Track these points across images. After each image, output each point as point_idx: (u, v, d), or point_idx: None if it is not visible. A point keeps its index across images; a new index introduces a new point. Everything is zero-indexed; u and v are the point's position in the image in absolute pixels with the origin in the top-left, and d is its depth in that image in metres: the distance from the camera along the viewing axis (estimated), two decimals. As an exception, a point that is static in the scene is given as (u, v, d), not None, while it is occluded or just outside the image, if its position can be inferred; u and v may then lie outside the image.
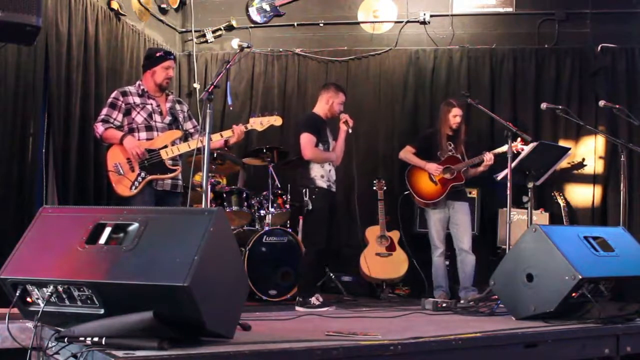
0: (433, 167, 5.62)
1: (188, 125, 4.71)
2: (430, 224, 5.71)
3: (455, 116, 5.65)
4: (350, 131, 5.14)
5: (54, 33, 5.15)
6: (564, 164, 6.11)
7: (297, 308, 4.79)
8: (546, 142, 5.16)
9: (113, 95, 4.55)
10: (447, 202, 5.64)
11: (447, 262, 5.89)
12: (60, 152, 5.22)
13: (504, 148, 4.90)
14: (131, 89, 4.59)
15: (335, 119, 5.26)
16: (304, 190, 5.09)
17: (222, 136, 4.47)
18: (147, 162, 4.37)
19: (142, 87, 4.57)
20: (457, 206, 5.65)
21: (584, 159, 6.52)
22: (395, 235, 6.36)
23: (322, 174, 5.09)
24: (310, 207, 5.08)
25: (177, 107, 4.69)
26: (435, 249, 5.68)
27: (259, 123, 4.60)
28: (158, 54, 4.60)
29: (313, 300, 4.90)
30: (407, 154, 5.82)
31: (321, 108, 5.27)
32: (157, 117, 4.53)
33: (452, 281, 5.96)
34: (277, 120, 4.65)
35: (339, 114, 5.23)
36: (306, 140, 5.07)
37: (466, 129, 5.80)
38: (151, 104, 4.54)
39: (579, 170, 6.59)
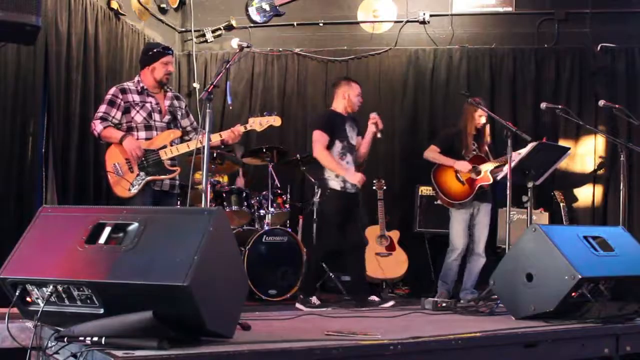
0: (464, 165, 5.42)
1: (185, 122, 4.66)
2: (454, 223, 5.52)
3: (480, 115, 5.50)
4: (379, 135, 5.09)
5: (53, 33, 5.15)
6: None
7: (298, 305, 4.80)
8: (546, 142, 5.15)
9: (111, 92, 4.45)
10: (472, 202, 5.48)
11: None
12: (60, 152, 5.23)
13: (526, 149, 4.84)
14: (130, 85, 4.50)
15: (364, 115, 5.21)
16: (316, 189, 5.07)
17: (221, 136, 4.46)
18: (146, 163, 4.35)
19: (141, 84, 4.49)
20: (481, 207, 5.51)
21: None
22: (395, 235, 6.37)
23: (336, 174, 5.05)
24: (317, 207, 5.05)
25: (176, 103, 4.63)
26: (453, 250, 5.50)
27: (258, 123, 4.58)
28: (156, 50, 4.51)
29: (313, 300, 4.90)
30: (433, 153, 5.59)
31: (339, 104, 5.24)
32: (156, 116, 4.48)
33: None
34: (276, 121, 4.63)
35: (359, 107, 5.21)
36: (316, 138, 5.07)
37: (490, 128, 5.65)
38: (150, 102, 4.48)
39: (579, 170, 6.60)
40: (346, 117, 5.20)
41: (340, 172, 5.02)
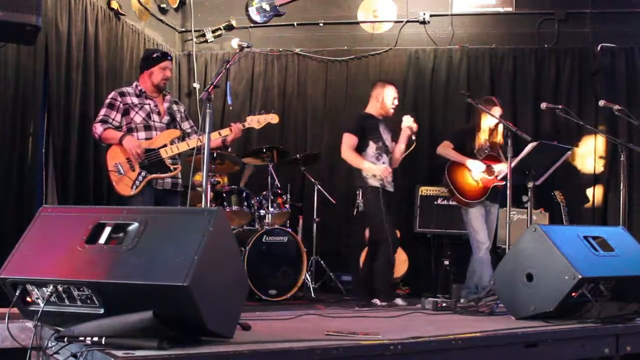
0: (476, 165, 5.29)
1: (185, 126, 4.71)
2: (472, 220, 5.35)
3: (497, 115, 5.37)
4: (414, 137, 5.07)
5: (53, 33, 5.16)
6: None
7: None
8: (546, 142, 5.15)
9: (111, 95, 4.54)
10: (485, 201, 5.37)
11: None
12: (60, 152, 5.23)
13: (526, 149, 4.81)
14: (129, 89, 4.59)
15: (397, 119, 5.20)
16: (357, 192, 5.07)
17: (220, 134, 4.48)
18: (147, 162, 4.37)
19: (139, 88, 4.57)
20: (491, 208, 5.42)
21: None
22: (395, 235, 6.36)
23: (374, 174, 5.06)
24: (362, 208, 5.03)
25: (175, 107, 4.70)
26: (479, 246, 5.30)
27: (256, 121, 4.62)
28: (155, 55, 4.60)
29: (399, 301, 4.90)
30: (446, 149, 5.44)
31: (373, 106, 5.26)
32: (155, 117, 4.53)
33: (454, 280, 5.97)
34: (273, 118, 4.67)
35: (394, 111, 5.22)
36: (344, 140, 5.12)
37: (504, 128, 5.46)
38: (149, 104, 4.54)
39: (579, 170, 6.60)
40: (380, 120, 5.22)
41: (366, 167, 5.04)
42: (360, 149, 5.12)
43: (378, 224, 5.00)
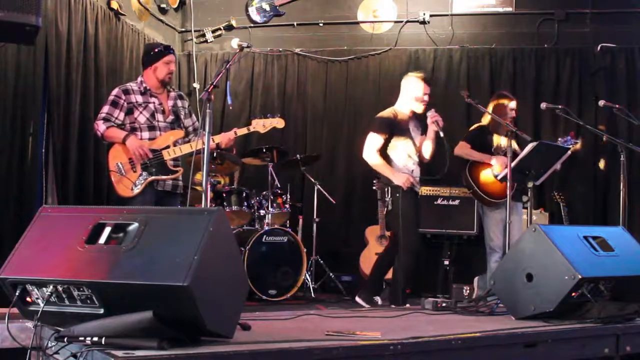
0: (501, 160, 5.11)
1: (188, 122, 4.67)
2: (490, 224, 5.27)
3: (511, 110, 5.34)
4: (442, 134, 4.82)
5: (53, 33, 5.16)
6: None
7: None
8: (546, 142, 5.15)
9: (114, 92, 4.47)
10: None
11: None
12: (60, 152, 5.23)
13: (526, 149, 4.78)
14: (133, 86, 4.52)
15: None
16: (386, 189, 4.90)
17: (213, 140, 4.43)
18: (149, 163, 4.35)
19: (144, 85, 4.50)
20: (514, 206, 5.11)
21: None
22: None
23: (397, 183, 4.86)
24: (390, 207, 4.89)
25: (179, 103, 4.64)
26: (493, 253, 5.24)
27: (261, 125, 4.58)
28: (157, 49, 4.52)
29: (433, 302, 4.83)
30: (465, 149, 5.31)
31: (401, 102, 5.07)
32: (159, 117, 4.50)
33: (454, 280, 5.96)
34: (279, 123, 4.63)
35: (424, 108, 4.99)
36: (369, 139, 4.94)
37: (515, 123, 5.39)
38: (153, 103, 4.49)
39: (579, 170, 6.59)
40: (410, 118, 5.03)
41: (386, 173, 4.88)
42: (387, 149, 4.93)
43: (409, 225, 4.81)
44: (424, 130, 5.08)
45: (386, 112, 5.08)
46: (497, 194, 5.19)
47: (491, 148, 5.32)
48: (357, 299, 4.96)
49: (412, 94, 5.01)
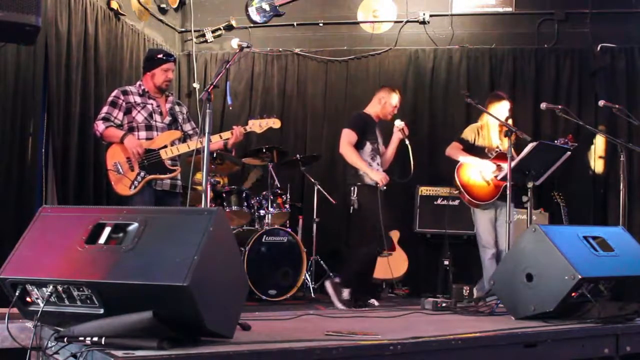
0: (489, 166, 5.22)
1: (187, 127, 4.71)
2: (479, 222, 5.32)
3: (506, 110, 5.34)
4: (407, 142, 5.00)
5: (53, 33, 5.16)
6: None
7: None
8: (546, 142, 5.15)
9: (114, 93, 4.54)
10: (495, 202, 5.26)
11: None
12: (60, 152, 5.23)
13: (526, 149, 4.79)
14: (132, 88, 4.59)
15: (390, 123, 5.18)
16: (352, 188, 5.00)
17: (221, 137, 4.47)
18: (146, 162, 4.37)
19: (142, 88, 4.57)
20: (504, 207, 5.18)
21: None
22: (395, 235, 6.36)
23: (372, 178, 4.97)
24: (356, 205, 4.98)
25: (177, 108, 4.70)
26: (485, 251, 5.29)
27: (257, 125, 4.61)
28: (158, 56, 4.58)
29: (373, 301, 4.88)
30: (455, 151, 5.36)
31: (373, 107, 5.24)
32: (157, 117, 4.53)
33: (454, 280, 5.95)
34: (275, 123, 4.66)
35: (392, 117, 5.17)
36: (344, 135, 5.06)
37: (514, 124, 5.39)
38: (151, 104, 4.55)
39: (579, 170, 6.59)
40: (376, 123, 5.20)
41: (363, 169, 4.98)
42: (357, 147, 5.06)
43: (369, 225, 4.93)
44: (384, 141, 5.23)
45: (358, 113, 5.30)
46: (483, 197, 5.25)
47: (484, 149, 5.34)
48: (339, 304, 4.88)
49: (385, 101, 5.19)
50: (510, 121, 5.32)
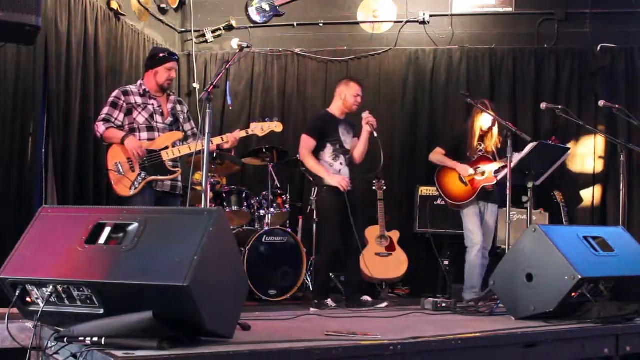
0: (464, 168, 5.41)
1: (187, 127, 4.70)
2: (466, 219, 5.44)
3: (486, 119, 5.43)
4: (375, 134, 4.96)
5: (53, 33, 5.16)
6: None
7: (312, 310, 4.72)
8: (546, 142, 5.15)
9: (114, 94, 4.50)
10: (478, 202, 5.41)
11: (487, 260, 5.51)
12: (60, 152, 5.22)
13: (526, 149, 4.81)
14: (132, 88, 4.55)
15: (357, 115, 5.14)
16: (313, 188, 5.05)
17: (222, 140, 4.47)
18: (147, 163, 4.36)
19: (143, 87, 4.53)
20: (488, 207, 5.45)
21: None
22: (395, 235, 6.36)
23: (331, 184, 4.95)
24: (314, 206, 5.04)
25: (178, 107, 4.67)
26: (472, 247, 5.39)
27: (259, 129, 4.62)
28: (161, 55, 4.56)
29: (329, 302, 4.88)
30: (437, 155, 5.56)
31: (335, 104, 5.18)
32: (158, 118, 4.51)
33: (454, 280, 5.95)
34: (277, 127, 4.68)
35: (356, 108, 5.12)
36: (302, 142, 5.07)
37: (499, 129, 5.46)
38: (152, 105, 4.51)
39: (579, 170, 6.59)
40: (341, 120, 5.13)
41: (321, 174, 4.98)
42: (317, 151, 5.05)
43: (330, 226, 4.97)
44: (355, 133, 5.20)
45: (317, 115, 5.33)
46: (460, 197, 5.46)
47: (466, 153, 5.47)
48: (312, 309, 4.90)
49: (344, 95, 5.12)
50: (495, 130, 5.45)
